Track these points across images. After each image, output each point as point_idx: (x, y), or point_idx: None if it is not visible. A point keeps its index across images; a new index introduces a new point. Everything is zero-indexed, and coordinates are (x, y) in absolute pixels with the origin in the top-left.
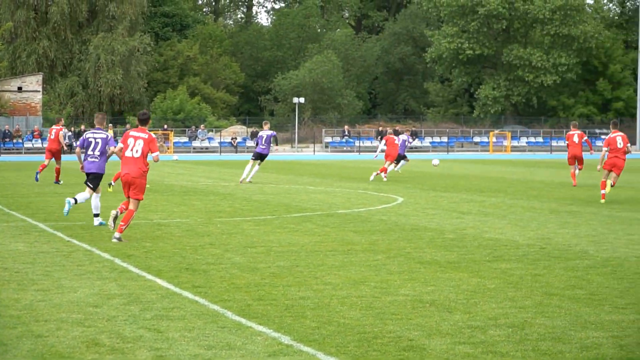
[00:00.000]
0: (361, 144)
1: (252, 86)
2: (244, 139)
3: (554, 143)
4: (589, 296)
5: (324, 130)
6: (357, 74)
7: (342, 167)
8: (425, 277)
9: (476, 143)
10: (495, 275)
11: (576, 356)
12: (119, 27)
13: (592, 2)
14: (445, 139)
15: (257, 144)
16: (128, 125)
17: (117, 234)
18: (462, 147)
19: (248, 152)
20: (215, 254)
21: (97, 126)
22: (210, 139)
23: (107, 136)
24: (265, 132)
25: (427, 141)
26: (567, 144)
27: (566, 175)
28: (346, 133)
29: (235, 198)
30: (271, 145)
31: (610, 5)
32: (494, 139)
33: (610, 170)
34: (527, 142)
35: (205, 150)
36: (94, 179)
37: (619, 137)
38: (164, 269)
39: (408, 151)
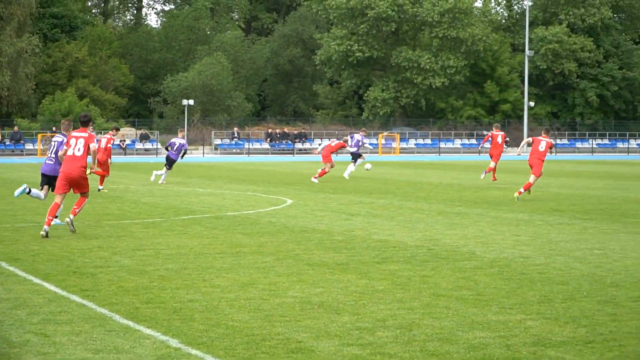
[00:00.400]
0: (250, 146)
1: (142, 88)
2: (133, 142)
3: (442, 145)
4: (476, 297)
5: (213, 132)
6: (247, 76)
7: (231, 169)
8: (314, 278)
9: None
10: (384, 276)
11: (463, 356)
12: (7, 28)
13: (480, 5)
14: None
15: (167, 149)
16: (16, 128)
17: (70, 216)
18: None
19: (137, 154)
20: (104, 257)
21: (63, 132)
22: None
23: (62, 140)
24: (179, 140)
25: (316, 143)
26: (487, 140)
27: (453, 177)
28: (235, 135)
29: (123, 201)
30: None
31: (498, 8)
32: (383, 141)
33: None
34: (415, 144)
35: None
36: (53, 181)
37: (543, 142)
38: (51, 273)
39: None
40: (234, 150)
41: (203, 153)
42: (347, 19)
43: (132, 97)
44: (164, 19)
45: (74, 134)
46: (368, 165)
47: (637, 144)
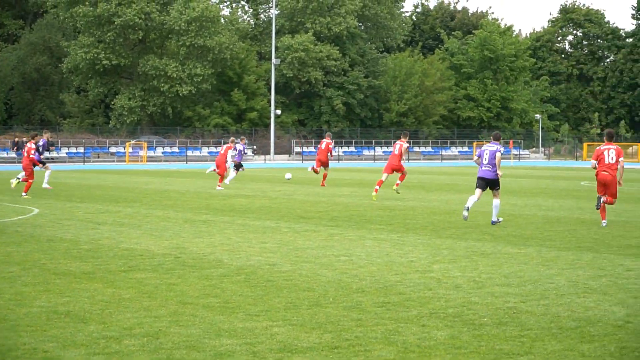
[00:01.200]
0: None
1: None
2: None
3: (189, 153)
4: (223, 304)
5: None
6: None
7: None
8: (61, 288)
9: (112, 153)
10: (131, 285)
11: None
12: None
13: (227, 13)
14: (81, 150)
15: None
16: None
17: None
18: (99, 157)
19: None
20: None
21: None
22: None
23: None
24: (40, 142)
25: (63, 152)
26: (318, 149)
27: (200, 185)
28: None
29: None
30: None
31: (245, 17)
32: (130, 149)
33: (391, 173)
34: (163, 153)
35: None
36: None
37: (398, 145)
38: None
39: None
40: None
41: None
42: (94, 27)
43: None
44: None
45: None
46: (288, 175)
47: (383, 152)
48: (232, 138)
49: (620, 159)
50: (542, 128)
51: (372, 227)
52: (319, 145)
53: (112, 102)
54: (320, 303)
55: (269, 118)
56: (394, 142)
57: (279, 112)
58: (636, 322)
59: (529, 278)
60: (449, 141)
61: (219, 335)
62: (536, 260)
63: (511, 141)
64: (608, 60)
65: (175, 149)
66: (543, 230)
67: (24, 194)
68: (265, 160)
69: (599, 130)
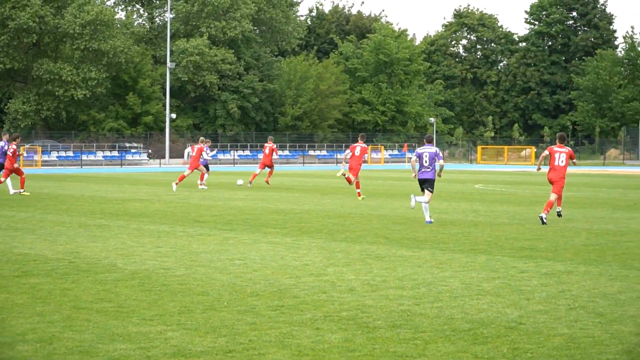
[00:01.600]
0: None
1: None
2: None
3: (84, 157)
4: (117, 309)
5: None
6: None
7: None
8: None
9: None
10: (24, 290)
11: None
12: None
13: (122, 17)
14: None
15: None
16: None
17: None
18: None
19: None
20: None
21: None
22: None
23: None
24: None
25: None
26: (264, 153)
27: (95, 189)
28: None
29: None
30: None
31: (140, 20)
32: (25, 154)
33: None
34: (57, 157)
35: None
36: None
37: (357, 148)
38: None
39: None
40: None
41: None
42: None
43: None
44: None
45: None
46: (240, 181)
47: (279, 155)
48: (201, 138)
49: (574, 161)
50: (437, 131)
51: (267, 230)
52: (264, 149)
53: (6, 107)
54: (215, 307)
55: (164, 122)
56: (352, 145)
57: (174, 116)
58: (528, 323)
59: (423, 280)
60: (343, 145)
61: (112, 340)
62: (430, 262)
63: (405, 145)
64: (502, 64)
65: (70, 153)
66: (437, 233)
67: (21, 190)
68: (160, 164)
69: (492, 134)
